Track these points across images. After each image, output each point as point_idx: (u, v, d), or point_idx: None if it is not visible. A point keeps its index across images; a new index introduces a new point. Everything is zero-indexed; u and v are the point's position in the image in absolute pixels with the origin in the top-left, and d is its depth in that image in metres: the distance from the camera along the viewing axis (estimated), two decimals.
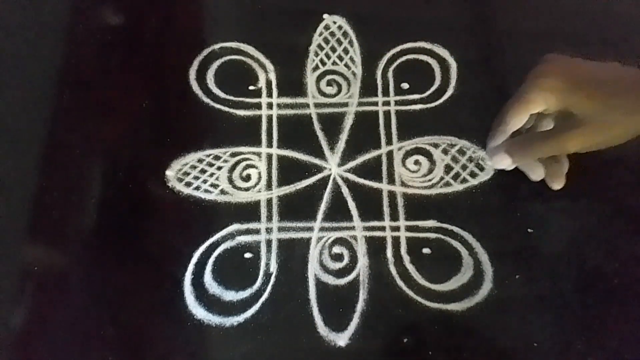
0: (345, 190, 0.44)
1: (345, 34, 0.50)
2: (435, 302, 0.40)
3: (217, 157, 0.45)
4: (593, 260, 0.41)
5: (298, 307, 0.40)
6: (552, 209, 0.42)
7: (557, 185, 0.42)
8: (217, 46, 0.50)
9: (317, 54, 0.50)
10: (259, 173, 0.45)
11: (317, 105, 0.47)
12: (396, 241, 0.42)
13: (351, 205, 0.43)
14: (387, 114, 0.47)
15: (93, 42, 0.50)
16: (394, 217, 0.43)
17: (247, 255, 0.42)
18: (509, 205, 0.43)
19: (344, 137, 0.46)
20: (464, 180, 0.44)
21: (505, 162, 0.42)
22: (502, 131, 0.42)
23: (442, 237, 0.42)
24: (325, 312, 0.39)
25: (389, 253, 0.41)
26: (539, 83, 0.39)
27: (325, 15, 0.51)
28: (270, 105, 0.47)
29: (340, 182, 0.44)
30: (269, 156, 0.45)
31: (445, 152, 0.45)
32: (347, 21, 0.51)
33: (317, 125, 0.46)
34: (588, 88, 0.37)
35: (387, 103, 0.47)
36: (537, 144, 0.40)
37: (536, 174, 0.42)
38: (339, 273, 0.41)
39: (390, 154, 0.45)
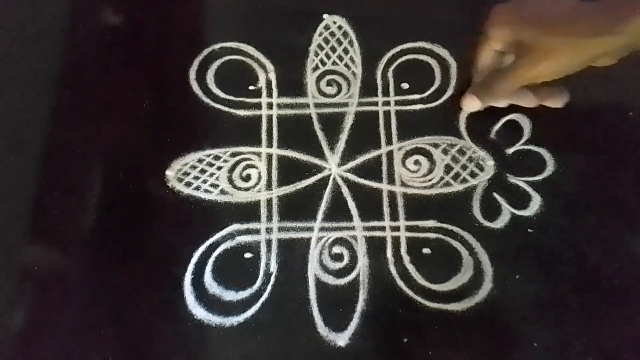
0: (345, 190, 0.44)
1: (345, 34, 0.50)
2: (435, 302, 0.40)
3: (217, 157, 0.45)
4: (593, 260, 0.41)
5: (298, 307, 0.40)
6: (552, 209, 0.43)
7: (560, 102, 0.45)
8: (217, 46, 0.50)
9: (317, 54, 0.49)
10: (259, 173, 0.45)
11: (317, 105, 0.47)
12: (396, 241, 0.42)
13: (351, 205, 0.43)
14: (387, 114, 0.47)
15: (93, 42, 0.50)
16: (394, 217, 0.43)
17: (247, 255, 0.42)
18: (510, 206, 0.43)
19: (344, 137, 0.46)
20: (464, 180, 0.44)
21: (474, 104, 0.45)
22: (473, 74, 0.45)
23: (442, 237, 0.42)
24: (325, 312, 0.39)
25: (389, 253, 0.41)
26: (495, 20, 0.42)
27: (325, 15, 0.51)
28: (270, 105, 0.47)
29: (340, 182, 0.44)
30: (269, 156, 0.45)
31: (445, 152, 0.45)
32: (347, 21, 0.51)
33: (317, 125, 0.46)
34: (534, 19, 0.40)
35: (387, 103, 0.47)
36: (497, 79, 0.43)
37: (526, 101, 0.44)
38: (339, 273, 0.41)
39: (390, 154, 0.45)
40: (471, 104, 0.45)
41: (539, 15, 0.40)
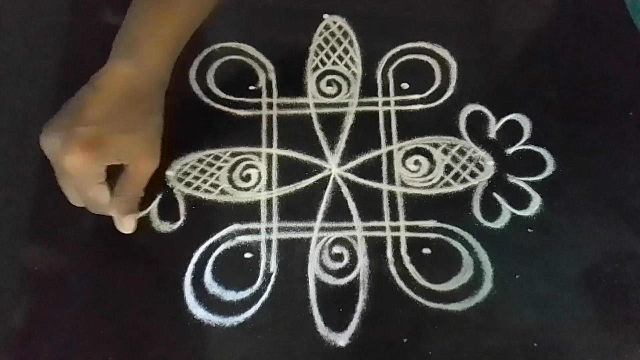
0: (345, 190, 0.44)
1: (345, 34, 0.50)
2: (435, 302, 0.40)
3: (217, 157, 0.45)
4: (593, 260, 0.41)
5: (298, 307, 0.40)
6: (552, 209, 0.42)
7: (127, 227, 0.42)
8: (217, 46, 0.50)
9: (317, 54, 0.49)
10: (259, 173, 0.45)
11: (317, 105, 0.47)
12: (396, 241, 0.42)
13: (351, 205, 0.43)
14: (387, 114, 0.47)
15: (93, 42, 0.50)
16: (394, 217, 0.43)
17: (247, 255, 0.42)
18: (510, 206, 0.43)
19: (344, 137, 0.46)
20: (464, 180, 0.44)
21: (132, 222, 0.41)
22: (106, 208, 0.40)
23: (442, 237, 0.42)
24: (325, 312, 0.39)
25: (389, 253, 0.41)
26: (81, 165, 0.37)
27: (325, 15, 0.51)
28: (270, 105, 0.47)
29: (340, 182, 0.44)
30: (269, 156, 0.45)
31: (445, 152, 0.45)
32: (347, 21, 0.51)
33: (317, 125, 0.46)
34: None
35: (387, 103, 0.47)
36: (125, 194, 0.40)
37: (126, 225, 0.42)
38: (339, 273, 0.41)
39: (390, 154, 0.45)
40: (132, 224, 0.41)
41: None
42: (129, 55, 0.40)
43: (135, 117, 0.39)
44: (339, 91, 0.48)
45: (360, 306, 0.40)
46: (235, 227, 0.42)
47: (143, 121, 0.40)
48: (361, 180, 0.44)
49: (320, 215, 0.43)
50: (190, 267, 0.41)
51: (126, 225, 0.41)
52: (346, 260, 0.41)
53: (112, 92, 0.39)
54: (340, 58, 0.49)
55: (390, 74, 0.48)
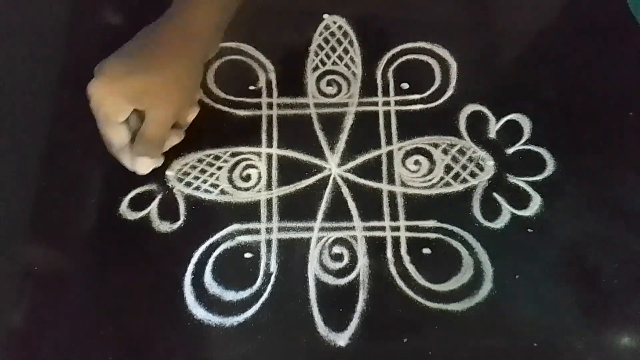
0: (345, 190, 0.44)
1: (345, 34, 0.50)
2: (435, 302, 0.40)
3: (217, 157, 0.45)
4: (593, 260, 0.41)
5: (298, 307, 0.40)
6: (552, 208, 0.43)
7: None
8: None
9: (317, 54, 0.49)
10: (259, 173, 0.45)
11: (317, 105, 0.47)
12: (396, 241, 0.42)
13: (351, 205, 0.43)
14: (387, 114, 0.47)
15: (93, 42, 0.50)
16: (394, 217, 0.43)
17: (247, 255, 0.42)
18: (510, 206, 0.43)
19: (344, 137, 0.46)
20: (464, 180, 0.44)
21: (148, 163, 0.43)
22: (119, 151, 0.42)
23: (442, 237, 0.42)
24: (325, 312, 0.39)
25: (389, 253, 0.41)
26: (98, 98, 0.39)
27: (325, 15, 0.51)
28: (270, 105, 0.47)
29: (340, 182, 0.44)
30: (269, 156, 0.45)
31: (445, 152, 0.45)
32: (347, 21, 0.51)
33: (317, 125, 0.46)
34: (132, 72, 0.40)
35: (387, 103, 0.47)
36: (146, 138, 0.41)
37: (176, 138, 0.44)
38: (339, 273, 0.41)
39: (390, 154, 0.45)
40: (148, 165, 0.43)
41: (134, 69, 0.39)
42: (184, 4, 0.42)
43: (166, 63, 0.40)
44: (339, 91, 0.48)
45: (360, 306, 0.40)
46: (235, 227, 0.42)
47: (175, 68, 0.41)
48: (361, 180, 0.44)
49: (320, 215, 0.43)
50: (190, 267, 0.41)
51: (139, 166, 0.43)
52: (346, 260, 0.41)
53: (154, 36, 0.41)
54: (340, 58, 0.49)
55: (390, 74, 0.48)
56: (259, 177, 0.44)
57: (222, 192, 0.44)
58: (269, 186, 0.44)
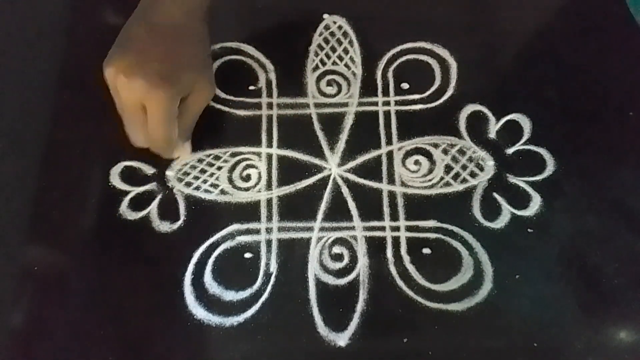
0: (345, 190, 0.44)
1: (345, 34, 0.50)
2: (435, 302, 0.40)
3: (217, 157, 0.45)
4: (593, 260, 0.41)
5: (298, 307, 0.40)
6: (552, 209, 0.43)
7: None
8: (217, 46, 0.50)
9: (317, 54, 0.50)
10: (259, 173, 0.45)
11: (317, 105, 0.47)
12: (396, 241, 0.42)
13: (351, 205, 0.43)
14: (387, 114, 0.47)
15: (93, 42, 0.50)
16: (394, 217, 0.43)
17: (247, 255, 0.42)
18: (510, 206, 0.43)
19: (344, 137, 0.46)
20: (464, 180, 0.44)
21: (189, 146, 0.45)
22: (163, 140, 0.41)
23: (442, 237, 0.42)
24: (325, 312, 0.39)
25: (389, 253, 0.41)
26: (165, 98, 0.39)
27: (325, 15, 0.51)
28: (270, 105, 0.47)
29: (340, 182, 0.44)
30: (269, 156, 0.45)
31: (445, 152, 0.45)
32: (347, 21, 0.51)
33: (317, 125, 0.46)
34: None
35: (387, 103, 0.47)
36: (187, 118, 0.42)
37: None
38: (339, 273, 0.41)
39: (390, 154, 0.45)
40: (187, 150, 0.45)
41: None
42: None
43: (189, 51, 0.41)
44: (339, 91, 0.48)
45: (360, 306, 0.40)
46: (235, 227, 0.42)
47: (195, 54, 0.42)
48: (361, 180, 0.44)
49: (320, 215, 0.43)
50: (190, 267, 0.41)
51: (187, 149, 0.44)
52: (346, 260, 0.41)
53: (166, 29, 0.41)
54: (340, 58, 0.49)
55: (390, 74, 0.48)
56: (259, 177, 0.44)
57: (222, 192, 0.44)
58: (269, 186, 0.44)
